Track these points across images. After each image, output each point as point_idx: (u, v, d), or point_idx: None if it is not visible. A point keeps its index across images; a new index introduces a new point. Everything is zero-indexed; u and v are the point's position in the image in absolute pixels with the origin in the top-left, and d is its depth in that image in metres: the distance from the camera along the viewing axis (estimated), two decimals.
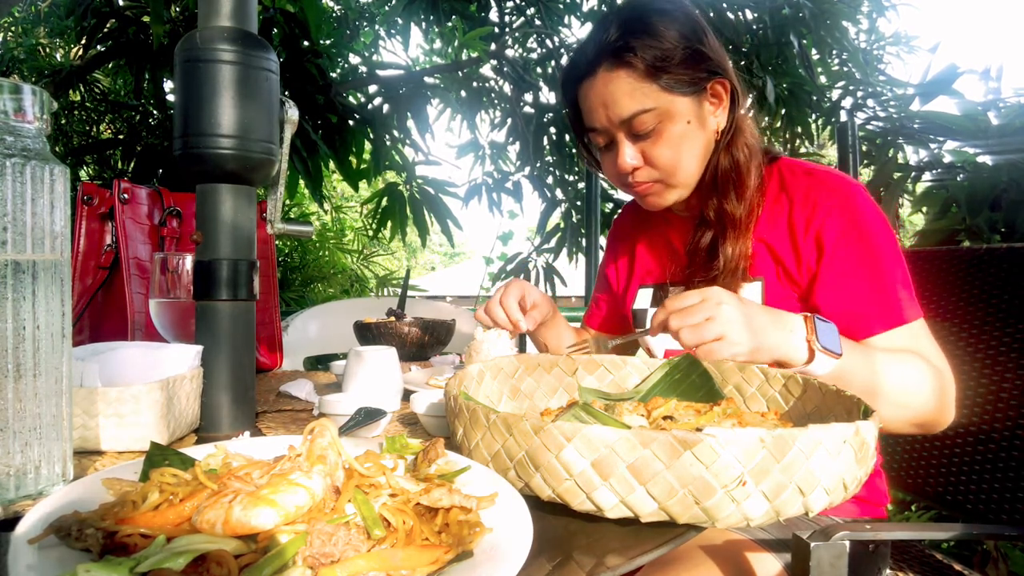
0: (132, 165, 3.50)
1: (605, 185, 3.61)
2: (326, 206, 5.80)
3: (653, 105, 0.98)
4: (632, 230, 1.27)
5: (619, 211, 1.38)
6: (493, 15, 3.90)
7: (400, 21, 3.93)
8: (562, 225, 3.90)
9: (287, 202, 3.98)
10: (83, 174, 4.06)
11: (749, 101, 1.08)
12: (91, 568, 0.37)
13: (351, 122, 3.23)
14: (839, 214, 0.96)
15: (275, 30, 2.98)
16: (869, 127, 3.27)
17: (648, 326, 1.17)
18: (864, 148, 3.14)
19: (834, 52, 3.66)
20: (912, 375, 0.88)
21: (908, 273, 0.97)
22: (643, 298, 1.20)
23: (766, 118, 3.48)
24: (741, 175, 1.02)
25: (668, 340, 1.12)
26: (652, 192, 1.06)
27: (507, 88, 3.86)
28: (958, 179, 2.54)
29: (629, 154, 1.02)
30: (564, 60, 3.74)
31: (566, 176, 4.00)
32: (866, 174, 3.13)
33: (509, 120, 3.86)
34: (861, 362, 0.84)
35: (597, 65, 1.00)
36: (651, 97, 0.97)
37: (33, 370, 0.54)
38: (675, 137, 1.00)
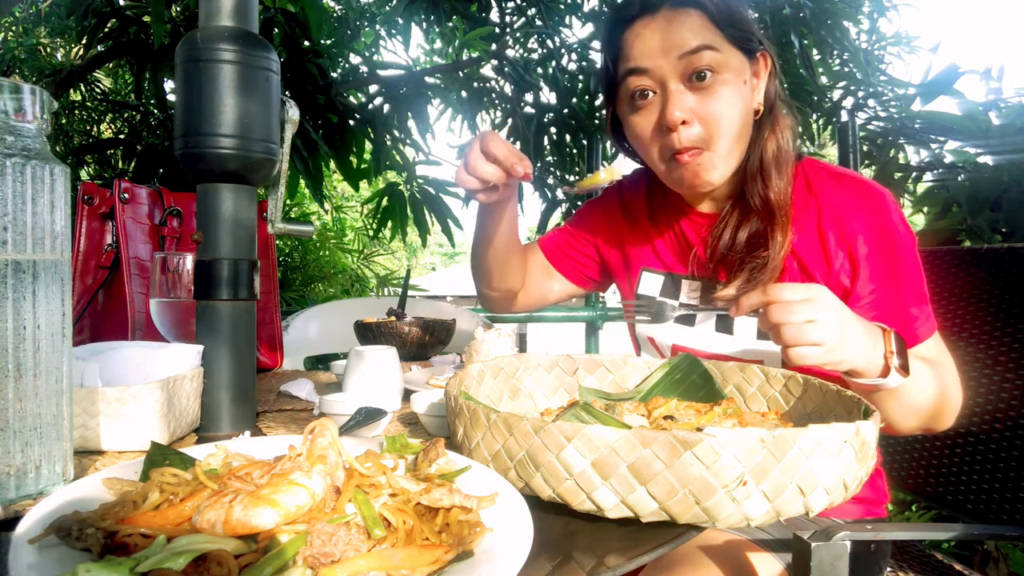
0: (133, 165, 3.50)
1: (606, 185, 3.61)
2: (327, 206, 5.80)
3: (720, 47, 0.92)
4: (643, 209, 1.18)
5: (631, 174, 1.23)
6: (494, 15, 3.90)
7: (400, 21, 3.93)
8: (563, 225, 3.89)
9: (288, 202, 3.98)
10: (84, 174, 4.06)
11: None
12: (91, 568, 0.37)
13: (352, 122, 3.23)
14: (872, 228, 0.93)
15: (276, 30, 2.98)
16: (870, 127, 3.27)
17: (653, 309, 1.13)
18: (865, 148, 3.14)
19: (835, 52, 3.66)
20: (933, 386, 0.88)
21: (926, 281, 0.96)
22: (650, 283, 1.14)
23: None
24: (784, 160, 0.98)
25: (677, 336, 1.10)
26: (698, 163, 0.94)
27: (508, 88, 3.85)
28: (959, 179, 2.54)
29: (681, 103, 0.92)
30: (565, 60, 3.73)
31: (567, 176, 4.00)
32: (867, 174, 3.13)
33: (510, 120, 3.85)
34: (914, 377, 0.84)
35: (661, 5, 0.94)
36: (718, 41, 0.92)
37: (33, 370, 0.54)
38: (730, 94, 0.93)
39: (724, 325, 1.04)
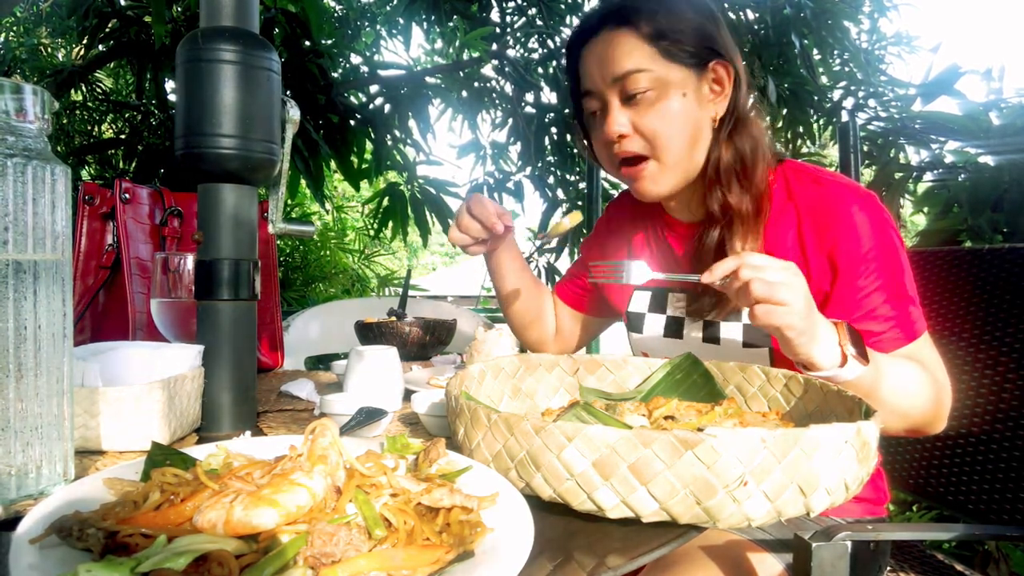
0: (133, 165, 3.50)
1: (607, 185, 3.61)
2: (327, 206, 5.80)
3: (649, 67, 0.96)
4: (629, 224, 1.22)
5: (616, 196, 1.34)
6: (494, 15, 3.90)
7: (401, 21, 3.93)
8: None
9: (288, 202, 3.97)
10: (84, 174, 4.06)
11: (751, 99, 1.04)
12: (92, 568, 0.37)
13: (352, 122, 3.23)
14: (853, 233, 0.92)
15: (276, 30, 2.98)
16: (871, 127, 3.26)
17: (645, 331, 1.16)
18: (866, 148, 3.13)
19: (835, 52, 3.66)
20: (916, 387, 0.87)
21: (915, 283, 0.94)
22: (640, 301, 1.16)
23: (768, 118, 3.47)
24: (746, 167, 0.99)
25: (668, 349, 1.11)
26: (644, 176, 1.01)
27: (508, 88, 3.85)
28: (960, 179, 2.54)
29: (618, 120, 0.98)
30: (565, 60, 3.73)
31: (567, 176, 4.00)
32: (868, 174, 3.13)
33: (510, 120, 3.85)
34: (878, 371, 0.83)
35: (601, 27, 0.99)
36: (649, 59, 0.96)
37: (34, 370, 0.54)
38: (667, 108, 0.97)
39: (711, 335, 1.05)
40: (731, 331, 1.02)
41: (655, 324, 1.13)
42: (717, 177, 1.00)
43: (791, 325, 0.76)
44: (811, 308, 0.78)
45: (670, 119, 0.97)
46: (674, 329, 1.10)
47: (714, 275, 0.79)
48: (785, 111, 3.42)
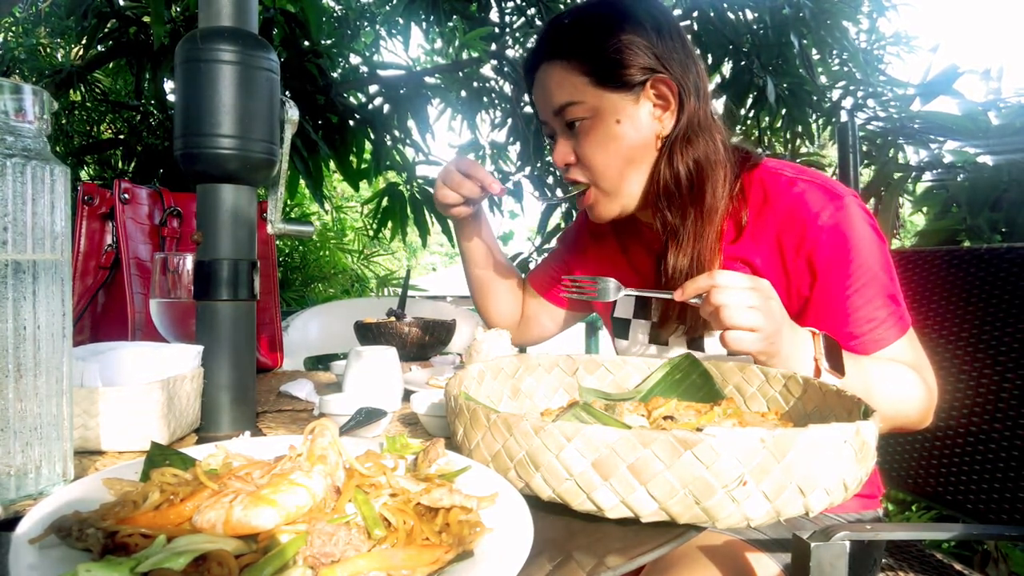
0: (133, 165, 3.50)
1: None
2: (327, 206, 5.79)
3: (581, 98, 0.96)
4: (609, 226, 1.19)
5: None
6: (494, 15, 3.90)
7: (400, 21, 3.93)
8: (563, 225, 3.89)
9: (288, 202, 3.98)
10: (84, 174, 4.06)
11: (709, 111, 0.99)
12: (92, 568, 0.37)
13: (351, 122, 3.23)
14: (830, 235, 0.91)
15: (275, 30, 2.97)
16: (870, 127, 3.27)
17: (630, 336, 1.15)
18: (864, 148, 3.14)
19: (834, 52, 3.66)
20: (901, 389, 0.88)
21: (898, 282, 0.93)
22: (625, 306, 1.15)
23: (767, 118, 3.48)
24: (680, 188, 0.96)
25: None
26: (590, 203, 1.03)
27: (507, 88, 3.86)
28: (958, 179, 2.54)
29: (561, 150, 1.02)
30: None
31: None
32: (866, 174, 3.13)
33: (509, 120, 3.85)
34: (860, 380, 0.83)
35: (540, 59, 1.01)
36: (580, 90, 0.96)
37: (34, 370, 0.54)
38: (602, 136, 0.97)
39: (696, 344, 1.04)
40: (715, 340, 1.02)
41: (640, 331, 1.12)
42: (657, 197, 0.99)
43: (761, 350, 0.78)
44: (783, 327, 0.78)
45: (605, 147, 0.97)
46: (660, 336, 1.09)
47: (686, 293, 0.80)
48: (784, 111, 3.42)
